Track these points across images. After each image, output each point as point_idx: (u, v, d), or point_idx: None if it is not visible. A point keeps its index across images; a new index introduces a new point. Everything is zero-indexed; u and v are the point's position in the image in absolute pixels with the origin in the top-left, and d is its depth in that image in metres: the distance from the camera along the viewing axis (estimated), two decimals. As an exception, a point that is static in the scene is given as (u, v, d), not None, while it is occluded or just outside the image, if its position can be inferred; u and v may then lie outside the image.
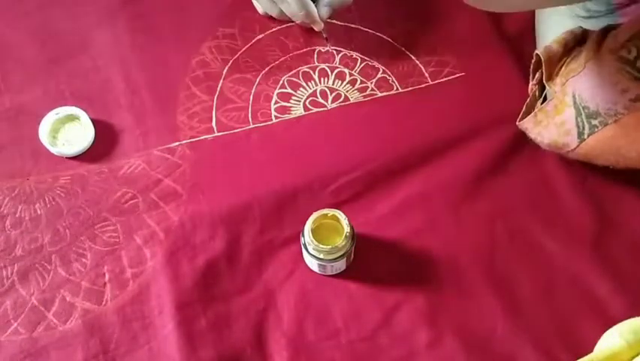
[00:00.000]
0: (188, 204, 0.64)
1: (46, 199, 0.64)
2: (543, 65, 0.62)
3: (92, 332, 0.58)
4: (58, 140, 0.67)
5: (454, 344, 0.58)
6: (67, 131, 0.68)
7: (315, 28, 0.71)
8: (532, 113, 0.62)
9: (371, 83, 0.72)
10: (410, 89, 0.72)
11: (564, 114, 0.59)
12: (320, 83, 0.72)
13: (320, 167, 0.66)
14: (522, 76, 0.72)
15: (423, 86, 0.72)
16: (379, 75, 0.73)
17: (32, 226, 0.63)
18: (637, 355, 0.51)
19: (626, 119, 0.55)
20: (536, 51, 0.63)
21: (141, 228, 0.63)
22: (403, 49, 0.75)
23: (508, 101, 0.70)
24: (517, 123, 0.64)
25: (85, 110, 0.68)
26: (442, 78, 0.73)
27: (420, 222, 0.64)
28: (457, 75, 0.73)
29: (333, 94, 0.71)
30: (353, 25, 0.76)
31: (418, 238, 0.63)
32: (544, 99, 0.64)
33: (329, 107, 0.71)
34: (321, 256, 0.57)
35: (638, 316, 0.55)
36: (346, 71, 0.73)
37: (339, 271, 0.61)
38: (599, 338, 0.57)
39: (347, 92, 0.72)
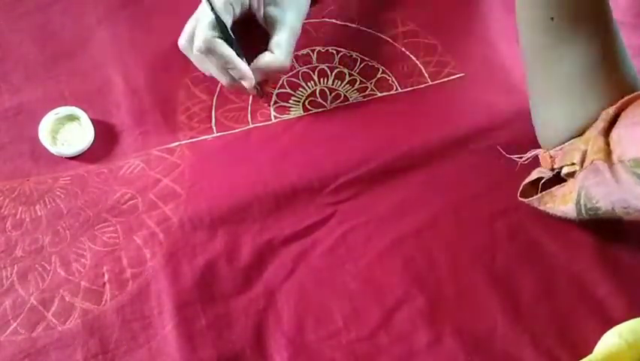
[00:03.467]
0: (187, 204, 0.64)
1: (47, 200, 0.64)
2: (578, 169, 0.58)
3: (91, 332, 0.58)
4: (58, 140, 0.67)
5: (454, 344, 0.57)
6: (67, 132, 0.68)
7: (245, 85, 0.66)
8: (540, 195, 0.61)
9: (371, 83, 0.72)
10: (410, 89, 0.72)
11: (568, 206, 0.58)
12: (319, 83, 0.72)
13: (319, 167, 0.66)
14: (522, 77, 0.72)
15: (423, 86, 0.72)
16: (379, 75, 0.73)
17: (33, 228, 0.63)
18: (637, 355, 0.51)
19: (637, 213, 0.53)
20: (571, 148, 0.59)
21: (141, 228, 0.63)
22: (403, 49, 0.75)
23: (508, 101, 0.70)
24: (518, 198, 0.63)
25: (85, 110, 0.68)
26: (442, 78, 0.73)
27: (420, 222, 0.64)
28: (457, 75, 0.73)
29: (333, 94, 0.71)
30: (353, 25, 0.76)
31: (418, 238, 0.63)
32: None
33: (328, 107, 0.71)
34: None
35: (638, 316, 0.55)
36: (346, 71, 0.73)
37: None
38: (599, 338, 0.57)
39: (346, 92, 0.72)
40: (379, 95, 0.72)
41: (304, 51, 0.74)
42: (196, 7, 0.75)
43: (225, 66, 0.65)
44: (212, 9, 0.63)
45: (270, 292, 0.60)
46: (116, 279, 0.60)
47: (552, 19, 0.56)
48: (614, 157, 0.54)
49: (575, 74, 0.58)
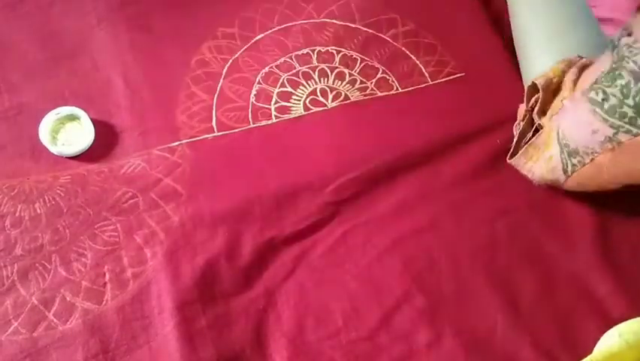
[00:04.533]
0: (188, 203, 0.64)
1: (46, 198, 0.64)
2: (541, 94, 0.61)
3: (92, 332, 0.58)
4: (58, 140, 0.67)
5: (454, 344, 0.58)
6: (67, 131, 0.68)
7: None
8: (524, 148, 0.62)
9: (371, 83, 0.72)
10: (410, 89, 0.72)
11: (552, 149, 0.59)
12: (320, 82, 0.72)
13: (320, 166, 0.66)
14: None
15: (423, 85, 0.72)
16: (379, 75, 0.73)
17: (32, 226, 0.63)
18: (637, 355, 0.51)
19: (600, 159, 0.55)
20: (535, 80, 0.61)
21: (141, 227, 0.63)
22: (403, 49, 0.75)
23: (508, 101, 0.70)
24: (507, 160, 0.64)
25: (85, 110, 0.68)
26: (442, 78, 0.73)
27: (420, 222, 0.64)
28: (457, 75, 0.73)
29: (334, 92, 0.71)
30: (353, 25, 0.76)
31: (418, 238, 0.63)
32: (534, 133, 0.63)
33: (329, 106, 0.71)
34: None
35: (638, 316, 0.55)
36: (346, 71, 0.73)
37: None
38: (599, 338, 0.57)
39: (347, 91, 0.72)
40: (379, 94, 0.72)
41: (304, 51, 0.74)
42: (195, 7, 0.76)
43: None
44: None
45: (270, 292, 0.60)
46: (117, 279, 0.60)
47: None
48: (578, 92, 0.57)
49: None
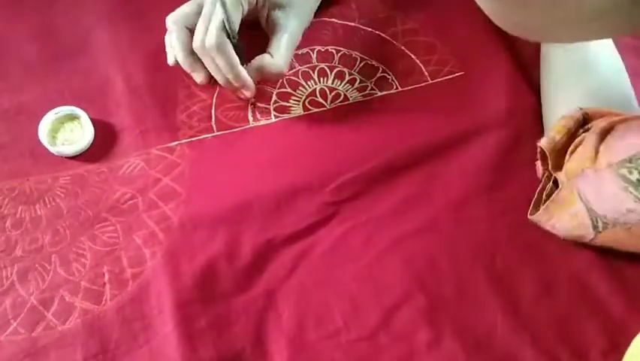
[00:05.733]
0: (187, 203, 0.64)
1: (47, 200, 0.64)
2: (548, 157, 0.60)
3: (91, 332, 0.58)
4: (58, 139, 0.67)
5: (454, 344, 0.57)
6: (67, 131, 0.68)
7: (247, 94, 0.67)
8: (544, 206, 0.60)
9: (371, 82, 0.72)
10: (410, 88, 0.72)
11: (575, 207, 0.57)
12: (319, 82, 0.72)
13: (320, 166, 0.66)
14: (522, 75, 0.72)
15: (423, 85, 0.72)
16: (379, 74, 0.73)
17: (33, 227, 0.63)
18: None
19: (636, 229, 0.54)
20: (539, 143, 0.60)
21: (141, 228, 0.63)
22: (403, 48, 0.75)
23: (508, 100, 0.70)
24: (528, 217, 0.62)
25: (84, 110, 0.68)
26: (442, 77, 0.73)
27: (420, 222, 0.64)
28: (457, 74, 0.73)
29: (333, 93, 0.71)
30: (352, 24, 0.76)
31: (418, 237, 0.63)
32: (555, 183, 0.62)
33: (328, 107, 0.70)
34: None
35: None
36: (346, 70, 0.73)
37: None
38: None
39: (346, 91, 0.72)
40: (379, 94, 0.72)
41: (304, 50, 0.74)
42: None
43: (229, 71, 0.65)
44: (224, 8, 0.62)
45: (270, 292, 0.60)
46: (116, 279, 0.60)
47: None
48: (603, 163, 0.55)
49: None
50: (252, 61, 0.67)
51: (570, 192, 0.58)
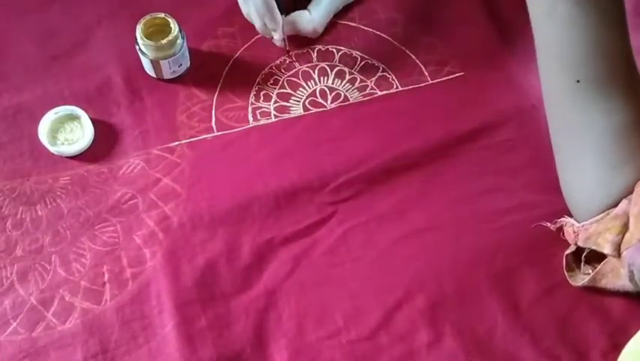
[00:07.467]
0: (187, 203, 0.64)
1: (47, 200, 0.64)
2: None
3: (91, 332, 0.58)
4: (58, 139, 0.67)
5: (454, 344, 0.57)
6: (67, 131, 0.68)
7: (276, 41, 0.72)
8: (592, 277, 0.57)
9: (371, 81, 0.72)
10: (410, 87, 0.72)
11: (623, 282, 0.55)
12: (319, 82, 0.72)
13: (319, 166, 0.66)
14: (522, 75, 0.72)
15: (423, 85, 0.72)
16: (379, 74, 0.73)
17: (33, 228, 0.63)
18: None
19: None
20: (567, 252, 0.59)
21: (141, 228, 0.63)
22: (403, 48, 0.75)
23: (508, 100, 0.70)
24: (572, 284, 0.59)
25: (84, 110, 0.68)
26: (442, 77, 0.73)
27: (420, 222, 0.64)
28: (457, 74, 0.73)
29: (333, 94, 0.71)
30: (353, 24, 0.76)
31: (418, 237, 0.63)
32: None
33: (328, 107, 0.70)
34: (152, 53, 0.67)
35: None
36: (346, 69, 0.73)
37: (176, 75, 0.70)
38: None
39: (346, 91, 0.72)
40: (379, 93, 0.71)
41: (304, 49, 0.74)
42: (195, 7, 0.75)
43: (265, 12, 0.67)
44: None
45: (270, 291, 0.60)
46: (116, 279, 0.60)
47: (578, 81, 0.53)
48: None
49: (609, 138, 0.54)
50: (290, 14, 0.70)
51: (618, 266, 0.55)
